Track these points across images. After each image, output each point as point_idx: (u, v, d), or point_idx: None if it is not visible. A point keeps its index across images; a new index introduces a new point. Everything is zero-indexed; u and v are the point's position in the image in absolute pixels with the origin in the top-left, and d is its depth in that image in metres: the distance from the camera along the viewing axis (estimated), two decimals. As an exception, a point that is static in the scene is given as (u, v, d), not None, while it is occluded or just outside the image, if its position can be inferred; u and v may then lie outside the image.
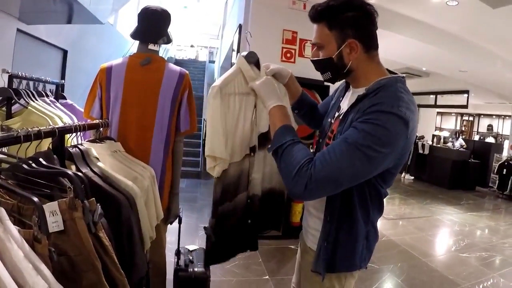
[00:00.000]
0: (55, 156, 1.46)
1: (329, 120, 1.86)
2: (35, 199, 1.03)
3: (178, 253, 2.85)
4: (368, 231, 1.73)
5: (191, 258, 2.78)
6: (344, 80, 1.82)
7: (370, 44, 1.64)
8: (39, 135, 1.31)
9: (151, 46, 2.49)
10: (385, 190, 1.71)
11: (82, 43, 8.88)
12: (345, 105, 1.75)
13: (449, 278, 4.75)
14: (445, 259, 5.59)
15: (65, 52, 8.24)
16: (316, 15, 1.62)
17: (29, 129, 1.28)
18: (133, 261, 1.39)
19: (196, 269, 2.67)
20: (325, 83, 5.29)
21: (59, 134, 1.47)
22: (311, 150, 1.82)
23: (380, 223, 7.03)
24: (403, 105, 1.45)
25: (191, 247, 2.97)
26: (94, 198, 1.22)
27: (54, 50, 7.88)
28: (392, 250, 5.73)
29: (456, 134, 14.93)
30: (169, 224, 2.70)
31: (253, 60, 1.98)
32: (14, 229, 0.95)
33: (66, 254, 1.10)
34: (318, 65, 1.69)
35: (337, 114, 1.81)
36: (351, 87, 1.79)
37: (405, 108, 1.44)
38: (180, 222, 2.81)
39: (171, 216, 2.62)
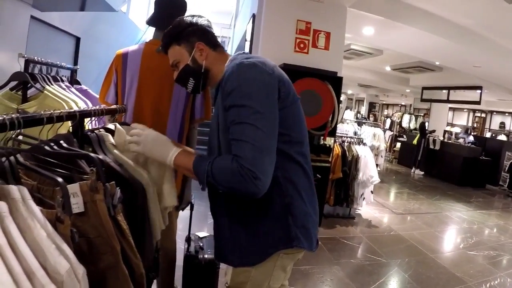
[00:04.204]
0: (75, 139, 1.48)
1: None
2: (60, 179, 1.04)
3: (188, 239, 2.87)
4: (288, 204, 1.70)
5: (201, 245, 2.80)
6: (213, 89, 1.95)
7: (214, 43, 1.89)
8: (60, 118, 1.32)
9: None
10: (299, 143, 1.74)
11: (95, 30, 8.91)
12: None
13: (456, 276, 4.73)
14: (452, 256, 5.56)
15: (77, 39, 8.26)
16: (167, 41, 1.89)
17: (52, 111, 1.29)
18: (143, 249, 1.40)
19: (206, 256, 2.69)
20: (328, 82, 5.30)
21: (79, 118, 1.48)
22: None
23: (389, 217, 7.07)
24: (242, 60, 1.64)
25: (201, 234, 2.99)
26: (114, 182, 1.23)
27: (67, 37, 7.92)
28: (400, 245, 5.73)
29: (467, 130, 14.86)
30: (181, 211, 2.72)
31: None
32: (37, 209, 0.96)
33: (85, 236, 1.12)
34: (180, 77, 1.87)
35: None
36: None
37: (245, 59, 1.65)
38: (192, 209, 2.84)
39: (183, 202, 2.63)
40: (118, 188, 1.23)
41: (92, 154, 1.24)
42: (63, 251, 0.91)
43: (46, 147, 1.24)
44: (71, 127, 1.52)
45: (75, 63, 8.29)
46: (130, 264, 1.22)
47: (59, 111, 1.32)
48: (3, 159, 1.02)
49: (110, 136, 1.65)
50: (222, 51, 1.91)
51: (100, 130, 1.67)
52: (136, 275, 1.24)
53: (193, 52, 1.82)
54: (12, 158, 1.05)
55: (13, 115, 1.08)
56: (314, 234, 1.80)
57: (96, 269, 1.12)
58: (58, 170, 1.25)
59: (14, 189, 0.94)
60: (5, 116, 1.06)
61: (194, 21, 1.87)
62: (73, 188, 1.10)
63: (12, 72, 2.49)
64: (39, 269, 0.82)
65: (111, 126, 1.76)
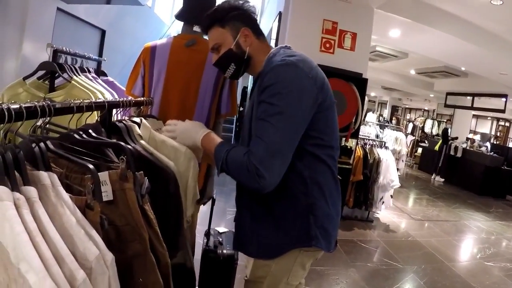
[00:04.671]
0: (103, 129, 1.49)
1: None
2: (91, 166, 1.04)
3: (208, 234, 2.86)
4: (312, 204, 1.71)
5: (220, 240, 2.78)
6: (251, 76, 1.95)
7: (259, 31, 1.87)
8: (90, 107, 1.32)
9: (196, 28, 2.48)
10: (330, 147, 1.75)
11: (120, 24, 8.98)
12: None
13: (471, 286, 4.66)
14: (469, 265, 5.48)
15: (103, 32, 8.33)
16: (208, 21, 1.85)
17: (82, 100, 1.29)
18: (177, 234, 1.40)
19: (224, 251, 2.68)
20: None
21: (108, 108, 1.49)
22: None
23: (407, 223, 7.00)
24: (284, 58, 1.62)
25: (221, 229, 2.98)
26: (142, 172, 1.23)
27: (93, 30, 7.99)
28: (417, 251, 5.67)
29: (485, 138, 14.65)
30: (202, 205, 2.72)
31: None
32: (66, 195, 0.96)
33: (114, 224, 1.12)
34: (221, 61, 1.85)
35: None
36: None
37: (288, 57, 1.61)
38: (213, 204, 2.83)
39: (205, 197, 2.64)
40: (146, 178, 1.23)
41: (122, 143, 1.25)
42: (92, 238, 0.91)
43: (76, 136, 1.25)
44: (99, 117, 1.53)
45: (100, 55, 8.27)
46: (156, 254, 1.22)
47: (88, 101, 1.32)
48: (34, 145, 1.03)
49: (136, 127, 1.66)
50: (264, 40, 1.90)
51: (127, 120, 1.68)
52: (161, 265, 1.24)
53: (237, 37, 1.80)
54: (42, 144, 1.06)
55: (44, 103, 1.08)
56: (333, 235, 1.81)
57: (124, 257, 1.12)
58: (86, 158, 1.26)
59: (44, 175, 0.95)
60: (36, 103, 1.06)
61: (240, 4, 1.84)
62: (103, 176, 1.11)
63: (39, 63, 2.52)
64: (69, 255, 0.82)
65: (136, 119, 1.76)
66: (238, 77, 1.92)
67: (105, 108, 1.46)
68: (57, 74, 2.47)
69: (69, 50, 2.63)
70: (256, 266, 1.85)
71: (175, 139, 1.74)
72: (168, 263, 1.27)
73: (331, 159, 1.75)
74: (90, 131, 1.33)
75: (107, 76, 3.10)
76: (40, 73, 2.54)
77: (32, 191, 0.87)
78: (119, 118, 1.90)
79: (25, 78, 2.45)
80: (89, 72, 2.84)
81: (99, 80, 2.85)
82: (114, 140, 1.31)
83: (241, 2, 1.84)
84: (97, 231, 0.96)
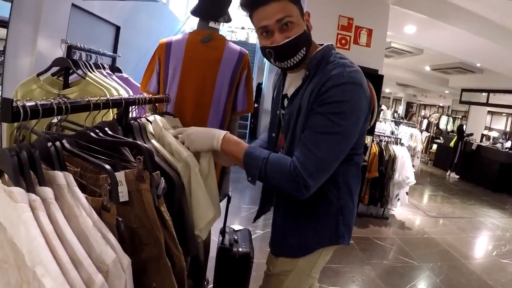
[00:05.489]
0: (119, 127, 1.47)
1: (278, 112, 1.86)
2: (108, 166, 1.02)
3: (223, 232, 2.83)
4: (342, 206, 1.73)
5: (235, 238, 2.76)
6: (279, 69, 1.86)
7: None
8: (106, 104, 1.30)
9: (211, 24, 2.46)
10: (359, 156, 1.77)
11: (135, 20, 8.99)
12: (290, 91, 1.73)
13: (487, 283, 4.59)
14: (485, 263, 5.39)
15: (117, 28, 8.34)
16: None
17: (99, 97, 1.27)
18: (184, 241, 1.36)
19: (240, 249, 2.66)
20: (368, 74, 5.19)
21: (125, 105, 1.46)
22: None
23: (422, 220, 6.93)
24: (350, 70, 1.49)
25: (236, 227, 2.95)
26: (159, 172, 1.21)
27: (107, 26, 7.99)
28: (432, 248, 5.60)
29: (505, 135, 14.48)
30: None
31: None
32: (82, 196, 0.94)
33: (128, 226, 1.10)
34: (293, 43, 1.52)
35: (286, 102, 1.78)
36: (287, 73, 1.78)
37: (353, 72, 1.49)
38: (229, 202, 2.81)
39: (220, 194, 2.60)
40: (162, 178, 1.21)
41: (141, 143, 1.22)
42: (109, 241, 0.90)
43: (92, 134, 1.23)
44: (116, 115, 1.51)
45: (115, 51, 8.33)
46: (171, 257, 1.20)
47: (105, 98, 1.30)
48: (49, 144, 1.01)
49: (150, 125, 1.64)
50: None
51: (142, 119, 1.66)
52: (177, 269, 1.22)
53: (304, 20, 1.57)
54: (58, 143, 1.04)
55: (60, 100, 1.06)
56: (352, 228, 1.86)
57: (138, 260, 1.09)
58: (101, 157, 1.24)
59: (60, 175, 0.93)
60: (52, 100, 1.04)
61: None
62: (119, 176, 1.08)
63: (53, 59, 2.51)
64: (86, 258, 0.80)
65: (151, 117, 1.73)
66: (297, 67, 1.63)
67: (122, 105, 1.43)
68: (71, 70, 2.46)
69: (84, 46, 2.62)
70: (282, 262, 1.87)
71: (189, 147, 1.63)
72: (183, 267, 1.24)
73: (359, 157, 1.77)
74: (106, 129, 1.31)
75: (121, 73, 3.09)
76: (54, 69, 2.53)
77: (48, 191, 0.85)
78: (134, 115, 1.88)
79: (39, 75, 2.44)
80: (104, 68, 2.83)
81: (114, 77, 2.85)
82: (131, 139, 1.28)
83: None
84: (113, 233, 0.94)
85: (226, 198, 2.76)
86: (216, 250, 2.66)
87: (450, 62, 11.16)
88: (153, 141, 1.57)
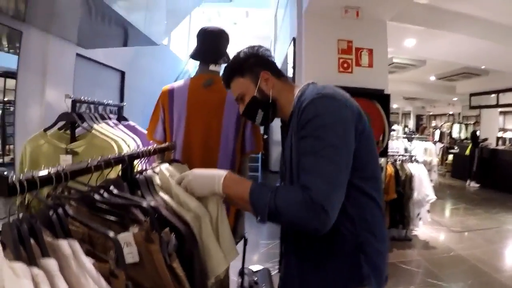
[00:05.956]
0: (125, 183, 1.45)
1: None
2: (111, 233, 0.99)
3: (242, 273, 2.79)
4: (361, 243, 1.58)
5: (255, 279, 2.72)
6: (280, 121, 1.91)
7: (278, 72, 1.83)
8: (109, 164, 1.28)
9: (212, 67, 2.47)
10: (374, 178, 1.65)
11: (139, 64, 9.15)
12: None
13: (525, 297, 4.42)
14: (519, 275, 5.19)
15: (122, 73, 8.46)
16: (227, 75, 1.86)
17: (99, 158, 1.25)
18: None
19: (260, 291, 2.61)
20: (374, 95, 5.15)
21: (129, 161, 1.45)
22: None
23: (447, 236, 6.78)
24: (319, 88, 1.59)
25: (255, 268, 2.91)
26: (168, 228, 1.18)
27: (112, 72, 8.14)
28: (461, 266, 5.42)
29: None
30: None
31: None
32: (89, 263, 0.91)
33: (141, 286, 1.06)
34: (248, 111, 1.82)
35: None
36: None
37: (324, 89, 1.57)
38: (245, 244, 2.76)
39: (236, 237, 2.55)
40: (173, 234, 1.18)
41: (144, 204, 1.19)
42: (118, 310, 0.86)
43: (96, 196, 1.20)
44: (120, 171, 1.49)
45: (122, 96, 8.58)
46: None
47: (107, 157, 1.28)
48: (51, 212, 0.99)
49: (156, 176, 1.62)
50: (286, 80, 1.86)
51: (148, 171, 1.63)
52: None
53: (258, 82, 1.77)
54: (60, 210, 1.02)
55: (58, 168, 1.04)
56: (384, 272, 1.67)
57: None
58: (110, 216, 1.21)
59: (64, 244, 0.90)
60: (51, 169, 1.03)
61: (255, 51, 1.83)
62: (127, 237, 1.06)
63: (62, 109, 2.55)
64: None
65: (156, 169, 1.70)
66: (269, 122, 1.85)
67: (125, 162, 1.41)
68: (77, 124, 2.48)
69: (87, 99, 2.64)
70: None
71: (193, 193, 1.60)
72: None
73: (376, 191, 1.65)
74: (111, 188, 1.29)
75: (128, 121, 3.10)
76: (62, 123, 2.56)
77: (51, 264, 0.83)
78: (143, 166, 1.86)
79: (46, 130, 2.48)
80: (110, 118, 2.84)
81: (121, 126, 2.86)
82: (136, 200, 1.24)
83: (255, 48, 1.84)
84: (124, 301, 0.90)
85: (243, 240, 2.71)
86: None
87: (454, 68, 11.18)
88: (161, 193, 1.54)
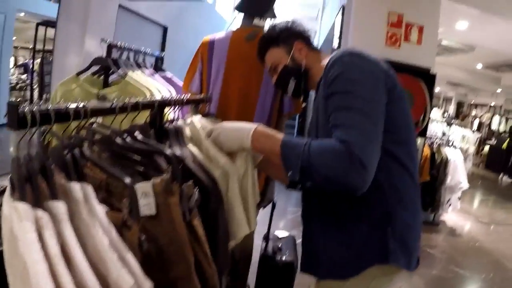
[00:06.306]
0: (152, 131, 1.37)
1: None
2: (127, 179, 0.91)
3: (267, 238, 2.73)
4: (389, 213, 1.45)
5: (279, 245, 2.65)
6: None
7: (311, 43, 1.84)
8: (136, 107, 1.19)
9: (256, 21, 2.37)
10: (407, 144, 1.53)
11: (182, 20, 9.04)
12: None
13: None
14: (543, 276, 5.01)
15: (165, 29, 8.39)
16: (263, 46, 1.90)
17: (126, 100, 1.17)
18: (216, 256, 1.22)
19: (284, 258, 2.54)
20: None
21: (158, 108, 1.35)
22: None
23: (474, 226, 6.61)
24: (347, 49, 1.57)
25: (280, 234, 2.84)
26: (192, 181, 1.09)
27: (155, 26, 8.07)
28: (484, 258, 5.31)
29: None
30: (262, 208, 2.59)
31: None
32: (101, 211, 0.83)
33: (156, 242, 0.98)
34: (281, 80, 1.82)
35: None
36: None
37: (351, 49, 1.55)
38: (273, 208, 2.71)
39: (265, 200, 2.50)
40: (196, 188, 1.09)
41: (167, 151, 1.09)
42: (127, 263, 0.78)
43: (117, 139, 1.12)
44: (148, 117, 1.41)
45: (162, 51, 8.40)
46: (203, 273, 1.07)
47: (135, 100, 1.20)
48: (65, 151, 0.91)
49: (187, 127, 1.52)
50: (320, 52, 1.84)
51: (179, 121, 1.55)
52: (209, 287, 1.10)
53: (292, 51, 1.77)
54: (76, 150, 0.94)
55: (78, 105, 0.97)
56: (415, 250, 1.53)
57: (165, 279, 0.98)
58: (134, 164, 1.14)
59: (75, 187, 0.82)
60: (68, 105, 0.96)
61: (290, 24, 1.85)
62: (145, 187, 0.97)
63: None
64: (96, 286, 0.69)
65: (188, 120, 1.61)
66: (301, 94, 1.88)
67: (154, 107, 1.32)
68: (111, 70, 2.41)
69: (124, 45, 2.56)
70: (325, 287, 1.60)
71: (222, 148, 1.50)
72: (216, 285, 1.11)
73: (409, 159, 1.50)
74: (136, 133, 1.20)
75: (165, 72, 3.02)
76: (95, 69, 2.49)
77: (59, 207, 0.75)
78: (176, 116, 1.79)
79: (78, 74, 2.41)
80: (146, 67, 2.76)
81: (157, 76, 2.78)
82: (158, 147, 1.14)
83: (290, 21, 1.86)
84: (135, 254, 0.82)
85: (271, 204, 2.65)
86: (259, 257, 2.57)
87: (503, 59, 10.69)
88: (190, 145, 1.45)
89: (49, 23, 9.09)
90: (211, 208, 1.24)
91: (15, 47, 15.60)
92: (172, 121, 1.50)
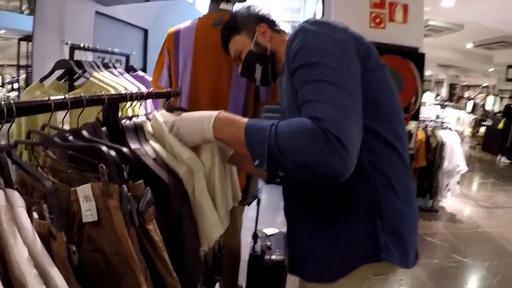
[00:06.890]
0: (104, 128, 1.25)
1: None
2: (48, 183, 0.78)
3: (255, 236, 2.62)
4: (377, 201, 1.27)
5: (268, 244, 2.54)
6: None
7: (274, 23, 1.77)
8: (79, 103, 1.06)
9: (223, 5, 2.27)
10: (391, 122, 1.33)
11: (163, 22, 8.92)
12: None
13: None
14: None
15: (145, 32, 8.30)
16: (226, 36, 1.84)
17: (66, 96, 1.03)
18: (183, 263, 1.11)
19: (273, 257, 2.43)
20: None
21: (109, 103, 1.21)
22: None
23: (474, 211, 6.49)
24: (311, 19, 1.45)
25: (269, 231, 2.73)
26: (142, 181, 0.96)
27: (135, 30, 7.98)
28: (487, 244, 5.17)
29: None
30: (247, 205, 2.51)
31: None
32: (26, 219, 0.72)
33: (102, 251, 0.86)
34: (245, 66, 1.77)
35: None
36: None
37: (314, 19, 1.54)
38: (258, 204, 2.63)
39: (248, 196, 2.39)
40: (148, 188, 0.96)
41: (102, 146, 0.94)
42: (50, 279, 0.66)
43: (56, 139, 0.99)
44: (100, 114, 1.28)
45: (145, 54, 8.39)
46: (163, 284, 0.95)
47: (78, 96, 1.07)
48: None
49: (148, 123, 1.40)
50: (285, 32, 1.78)
51: (139, 117, 1.42)
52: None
53: (255, 36, 1.72)
54: (3, 154, 0.81)
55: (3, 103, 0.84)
56: (411, 244, 1.34)
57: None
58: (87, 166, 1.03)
59: (-1, 193, 0.71)
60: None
61: (249, 9, 1.79)
62: (85, 190, 0.85)
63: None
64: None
65: (150, 115, 1.49)
66: (269, 80, 1.79)
67: (104, 103, 1.18)
68: (75, 72, 2.33)
69: (88, 46, 2.46)
70: None
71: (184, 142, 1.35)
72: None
73: (394, 136, 1.31)
74: (83, 132, 1.07)
75: (136, 71, 2.91)
76: (59, 74, 2.42)
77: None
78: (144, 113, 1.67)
79: (42, 80, 2.32)
80: (115, 68, 2.65)
81: (126, 75, 2.68)
82: (91, 143, 1.00)
83: (248, 7, 1.81)
84: (65, 267, 0.70)
85: (256, 200, 2.55)
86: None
87: (494, 36, 10.58)
88: (152, 141, 1.33)
89: (30, 38, 9.06)
90: (173, 209, 1.12)
91: (1, 65, 15.60)
92: (131, 117, 1.36)
